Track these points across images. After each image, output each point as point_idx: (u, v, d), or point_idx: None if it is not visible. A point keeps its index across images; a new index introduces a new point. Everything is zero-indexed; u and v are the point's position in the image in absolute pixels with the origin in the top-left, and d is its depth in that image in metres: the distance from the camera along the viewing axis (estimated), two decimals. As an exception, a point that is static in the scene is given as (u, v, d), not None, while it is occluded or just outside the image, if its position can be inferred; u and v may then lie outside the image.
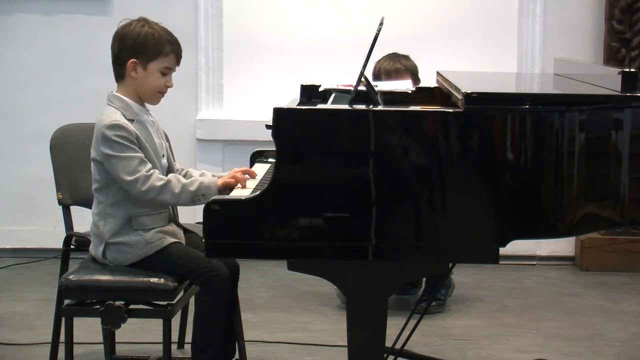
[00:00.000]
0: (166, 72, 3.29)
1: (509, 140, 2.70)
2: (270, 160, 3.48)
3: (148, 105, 3.35)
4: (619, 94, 2.90)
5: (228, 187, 3.13)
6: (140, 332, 4.04)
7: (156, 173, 3.19)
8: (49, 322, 3.81)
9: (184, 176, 3.39)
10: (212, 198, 2.78)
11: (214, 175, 3.33)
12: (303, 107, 2.95)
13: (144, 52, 3.25)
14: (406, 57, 4.77)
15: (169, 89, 3.34)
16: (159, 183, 3.16)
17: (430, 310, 4.36)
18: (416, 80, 4.65)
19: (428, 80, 3.80)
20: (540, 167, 2.72)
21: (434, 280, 4.51)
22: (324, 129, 2.70)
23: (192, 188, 3.16)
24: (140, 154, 3.19)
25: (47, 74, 5.51)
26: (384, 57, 4.75)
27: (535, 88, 3.82)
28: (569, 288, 5.06)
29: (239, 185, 3.13)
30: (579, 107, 2.75)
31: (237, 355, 3.56)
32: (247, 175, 3.20)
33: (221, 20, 5.50)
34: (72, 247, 3.67)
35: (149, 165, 3.19)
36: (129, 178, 3.15)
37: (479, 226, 2.71)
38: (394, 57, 4.76)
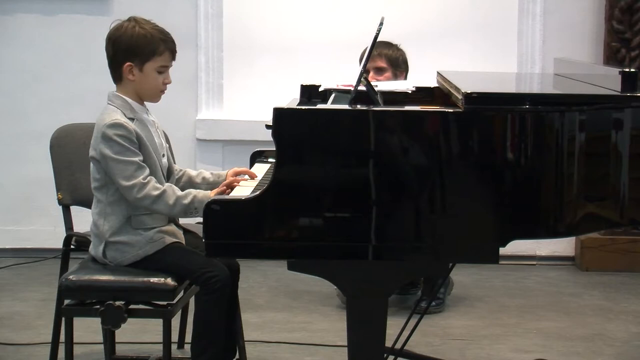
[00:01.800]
0: (163, 70, 3.29)
1: (509, 140, 2.70)
2: (270, 160, 3.49)
3: (148, 105, 3.36)
4: (619, 94, 2.90)
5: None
6: (140, 332, 4.04)
7: (153, 181, 3.18)
8: (49, 322, 3.81)
9: (181, 177, 3.41)
10: (212, 198, 2.78)
11: (212, 173, 3.41)
12: (303, 107, 2.95)
13: (138, 54, 3.24)
14: (390, 46, 4.67)
15: (168, 87, 3.34)
16: (155, 193, 3.16)
17: (430, 310, 4.36)
18: (397, 69, 4.60)
19: (428, 80, 3.80)
20: (540, 167, 2.72)
21: (432, 280, 4.52)
22: (324, 129, 2.71)
23: (186, 202, 3.16)
24: (139, 158, 3.18)
25: (47, 74, 5.52)
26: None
27: (535, 88, 3.82)
28: (569, 288, 5.06)
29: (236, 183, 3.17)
30: (579, 107, 2.75)
31: (237, 356, 3.57)
32: (245, 176, 3.25)
33: (221, 20, 5.50)
34: (72, 247, 3.68)
35: (147, 171, 3.19)
36: (126, 183, 3.16)
37: (479, 226, 2.71)
38: (378, 44, 4.61)
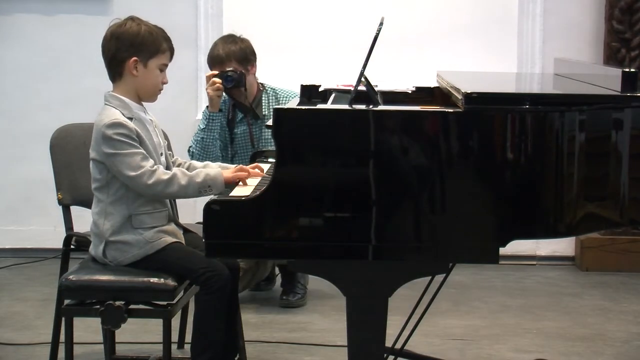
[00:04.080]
0: (163, 68, 3.31)
1: (509, 140, 2.70)
2: (270, 160, 3.49)
3: (146, 104, 3.36)
4: (619, 94, 2.90)
5: (234, 182, 3.15)
6: (140, 332, 4.04)
7: (161, 168, 3.20)
8: (49, 322, 3.81)
9: (187, 169, 3.41)
10: (211, 198, 2.78)
11: (220, 165, 3.39)
12: (303, 107, 2.95)
13: (143, 50, 3.25)
14: (234, 41, 4.59)
15: (165, 87, 3.35)
16: (165, 177, 3.17)
17: (292, 303, 4.60)
18: (247, 64, 4.55)
19: (428, 80, 3.81)
20: (540, 167, 2.72)
21: (291, 274, 4.65)
22: (324, 129, 2.70)
23: (199, 180, 3.17)
24: (142, 150, 3.19)
25: (47, 74, 5.52)
26: (219, 39, 4.67)
27: (535, 88, 3.82)
28: (569, 288, 5.06)
29: (241, 182, 3.15)
30: (579, 107, 2.75)
31: (237, 356, 3.57)
32: (256, 170, 3.25)
33: (221, 20, 5.51)
34: (72, 247, 3.68)
35: (152, 161, 3.20)
36: (134, 173, 3.16)
37: (479, 226, 2.71)
38: (223, 42, 4.61)
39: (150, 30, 3.27)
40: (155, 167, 3.19)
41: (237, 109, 4.61)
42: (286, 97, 4.67)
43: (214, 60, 4.59)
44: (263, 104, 4.62)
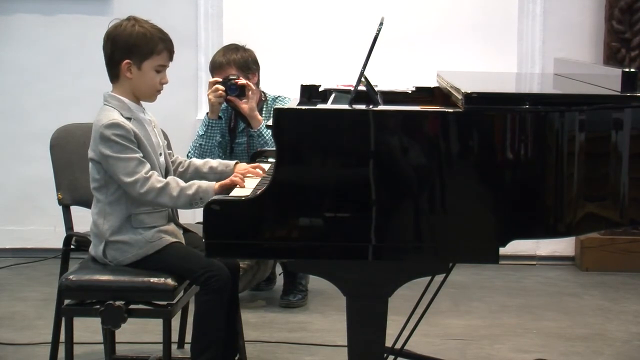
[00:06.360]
0: (160, 69, 3.29)
1: (508, 140, 2.70)
2: (270, 160, 3.49)
3: (145, 104, 3.35)
4: (619, 94, 2.90)
5: (226, 189, 3.14)
6: (140, 332, 4.04)
7: (155, 175, 3.19)
8: (49, 322, 3.81)
9: (187, 168, 3.40)
10: (212, 198, 2.78)
11: (219, 162, 3.41)
12: (303, 107, 2.95)
13: (137, 52, 3.24)
14: (236, 50, 4.61)
15: (165, 87, 3.34)
16: (158, 185, 3.16)
17: (294, 303, 4.60)
18: (247, 72, 4.54)
19: (428, 80, 3.81)
20: (540, 167, 2.72)
21: (292, 274, 4.65)
22: (324, 129, 2.70)
23: (190, 192, 3.16)
24: (139, 154, 3.19)
25: (47, 74, 5.52)
26: (220, 48, 4.70)
27: (535, 88, 3.82)
28: (569, 288, 5.06)
29: (239, 185, 3.14)
30: (579, 107, 2.75)
31: (237, 356, 3.57)
32: (258, 170, 3.26)
33: (221, 20, 5.51)
34: (72, 247, 3.68)
35: (148, 166, 3.19)
36: (128, 179, 3.16)
37: (479, 226, 2.71)
38: (225, 49, 4.64)
39: (145, 31, 3.25)
40: (150, 173, 3.18)
41: (239, 118, 4.60)
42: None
43: (214, 66, 4.60)
44: (263, 115, 4.61)
